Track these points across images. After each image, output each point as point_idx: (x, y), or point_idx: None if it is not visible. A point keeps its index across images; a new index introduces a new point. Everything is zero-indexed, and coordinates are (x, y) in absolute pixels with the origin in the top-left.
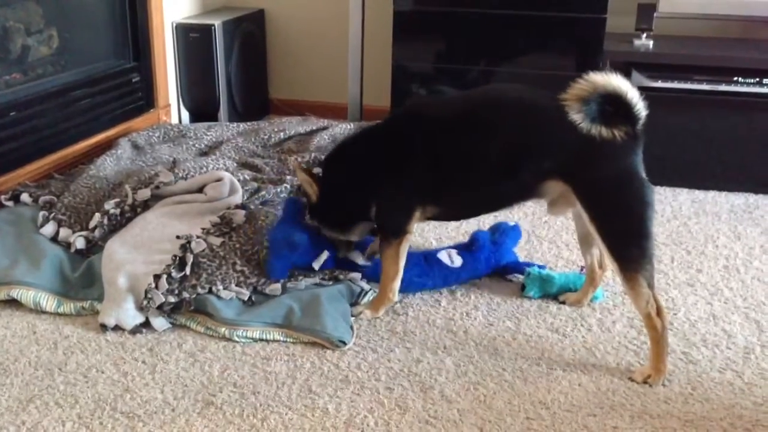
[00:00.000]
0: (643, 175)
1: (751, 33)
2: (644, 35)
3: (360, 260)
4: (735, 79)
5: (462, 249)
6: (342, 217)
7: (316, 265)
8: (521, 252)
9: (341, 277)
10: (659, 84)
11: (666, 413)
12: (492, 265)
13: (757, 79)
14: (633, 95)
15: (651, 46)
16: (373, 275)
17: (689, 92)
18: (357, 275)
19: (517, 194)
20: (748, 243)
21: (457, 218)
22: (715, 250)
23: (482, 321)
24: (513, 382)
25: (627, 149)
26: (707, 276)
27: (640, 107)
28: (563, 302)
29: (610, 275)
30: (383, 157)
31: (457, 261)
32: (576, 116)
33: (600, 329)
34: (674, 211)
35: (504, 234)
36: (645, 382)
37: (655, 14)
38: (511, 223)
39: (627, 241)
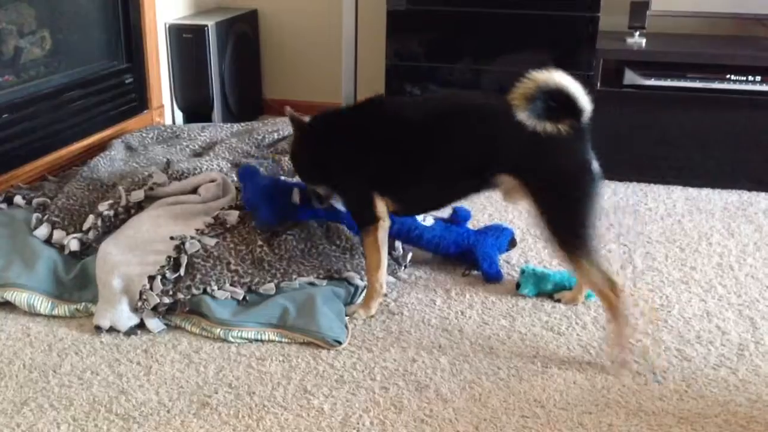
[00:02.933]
0: (593, 166)
1: (744, 30)
2: (637, 33)
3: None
4: (728, 76)
5: (440, 219)
6: (305, 169)
7: (296, 197)
8: (516, 251)
9: (335, 275)
10: (652, 82)
11: (661, 410)
12: (462, 247)
13: (750, 77)
14: (575, 89)
15: (644, 45)
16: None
17: (682, 90)
18: (353, 274)
19: (471, 188)
20: (742, 240)
21: (414, 211)
22: (709, 248)
23: (477, 320)
24: (508, 380)
25: (572, 142)
26: (701, 273)
27: (584, 100)
28: (558, 300)
29: None
30: (345, 143)
31: (428, 221)
32: (521, 115)
33: (595, 327)
34: (668, 209)
35: (491, 228)
36: (614, 362)
37: (647, 12)
38: (506, 226)
39: (569, 231)
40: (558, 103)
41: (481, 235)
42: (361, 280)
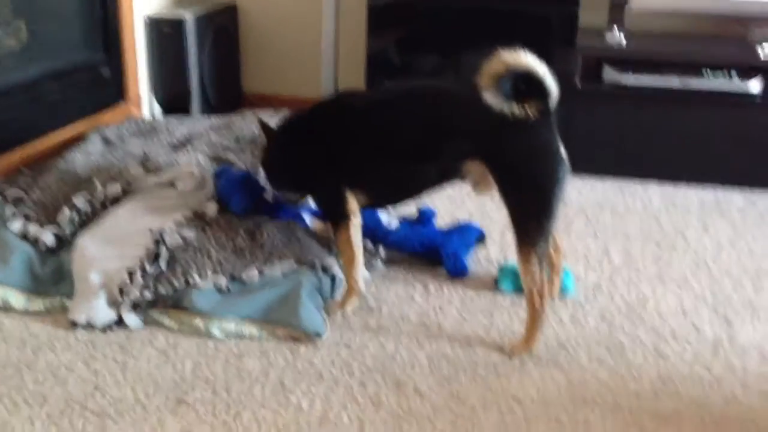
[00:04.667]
0: (559, 151)
1: (722, 30)
2: (616, 30)
3: (308, 221)
4: (705, 75)
5: (406, 220)
6: (275, 176)
7: (268, 196)
8: (494, 245)
9: (316, 262)
10: (631, 79)
11: (637, 408)
12: (428, 246)
13: (727, 75)
14: (543, 71)
15: (623, 42)
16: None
17: (660, 88)
18: (332, 262)
19: (438, 177)
20: (717, 237)
21: (386, 202)
22: (685, 244)
23: (456, 316)
24: (486, 376)
25: (539, 125)
26: (677, 270)
27: (551, 83)
28: None
29: (583, 272)
30: (310, 143)
31: (393, 224)
32: (488, 96)
33: (572, 324)
34: (644, 205)
35: (458, 228)
36: (511, 352)
37: (626, 9)
38: (476, 226)
39: (528, 215)
40: (525, 85)
41: (446, 234)
42: (341, 270)
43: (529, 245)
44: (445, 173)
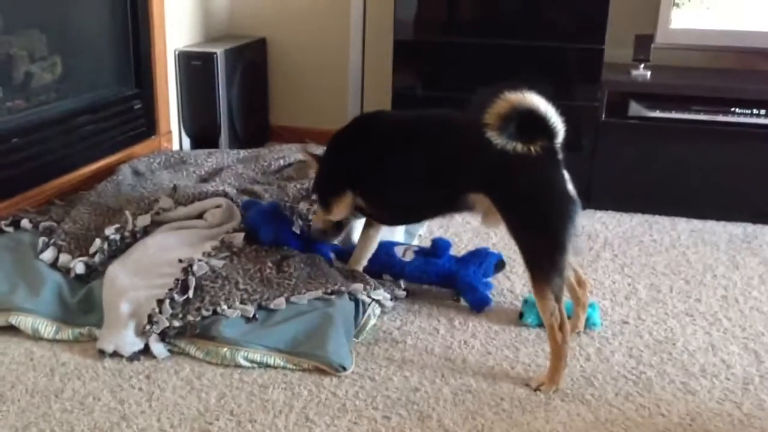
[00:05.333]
0: (566, 189)
1: (748, 64)
2: (642, 66)
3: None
4: (732, 109)
5: (421, 251)
6: (321, 195)
7: (296, 229)
8: (518, 279)
9: (343, 289)
10: (657, 114)
11: None
12: (445, 277)
13: (754, 110)
14: (547, 110)
15: (648, 77)
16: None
17: (687, 122)
18: (359, 286)
19: (443, 205)
20: (747, 273)
21: (386, 221)
22: (714, 280)
23: (480, 349)
24: (511, 411)
25: (543, 163)
26: (706, 306)
27: (556, 122)
28: None
29: (610, 306)
30: (340, 153)
31: (408, 257)
32: (491, 134)
33: (599, 359)
34: (673, 241)
35: (475, 255)
36: (537, 389)
37: (652, 45)
38: (493, 251)
39: (540, 252)
40: (531, 124)
41: (463, 263)
42: (367, 296)
43: (543, 281)
44: (452, 203)
